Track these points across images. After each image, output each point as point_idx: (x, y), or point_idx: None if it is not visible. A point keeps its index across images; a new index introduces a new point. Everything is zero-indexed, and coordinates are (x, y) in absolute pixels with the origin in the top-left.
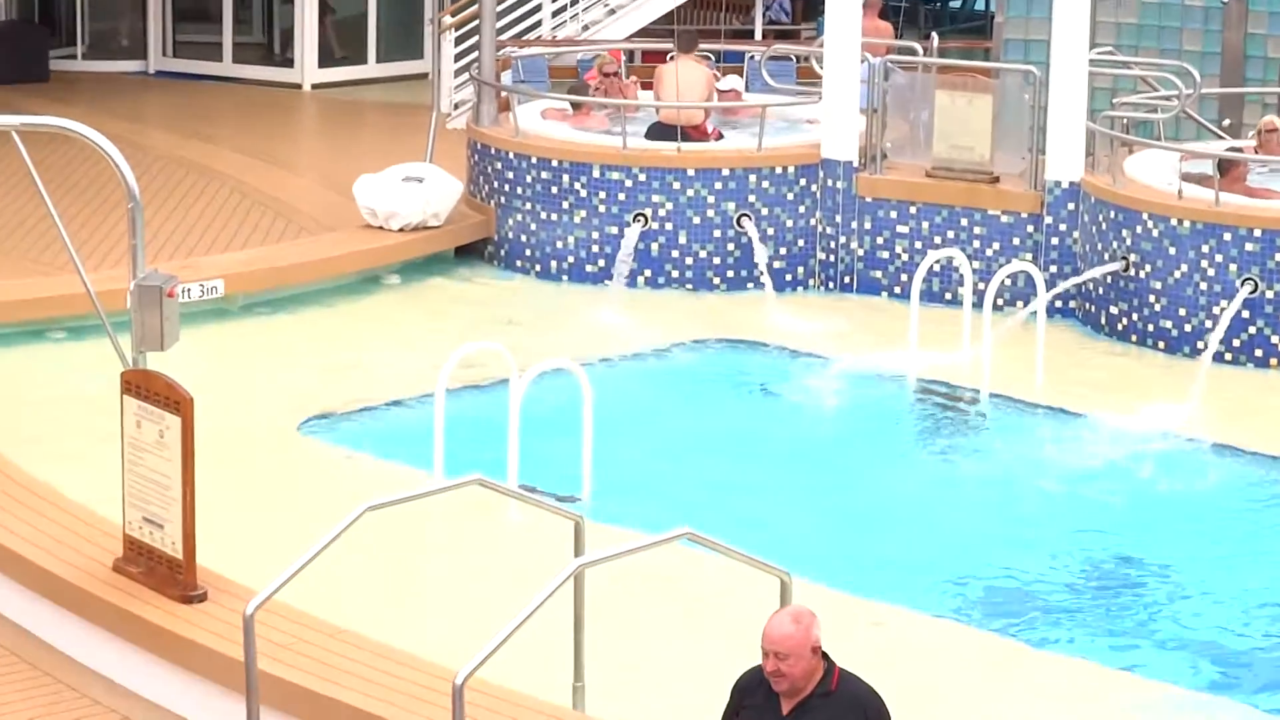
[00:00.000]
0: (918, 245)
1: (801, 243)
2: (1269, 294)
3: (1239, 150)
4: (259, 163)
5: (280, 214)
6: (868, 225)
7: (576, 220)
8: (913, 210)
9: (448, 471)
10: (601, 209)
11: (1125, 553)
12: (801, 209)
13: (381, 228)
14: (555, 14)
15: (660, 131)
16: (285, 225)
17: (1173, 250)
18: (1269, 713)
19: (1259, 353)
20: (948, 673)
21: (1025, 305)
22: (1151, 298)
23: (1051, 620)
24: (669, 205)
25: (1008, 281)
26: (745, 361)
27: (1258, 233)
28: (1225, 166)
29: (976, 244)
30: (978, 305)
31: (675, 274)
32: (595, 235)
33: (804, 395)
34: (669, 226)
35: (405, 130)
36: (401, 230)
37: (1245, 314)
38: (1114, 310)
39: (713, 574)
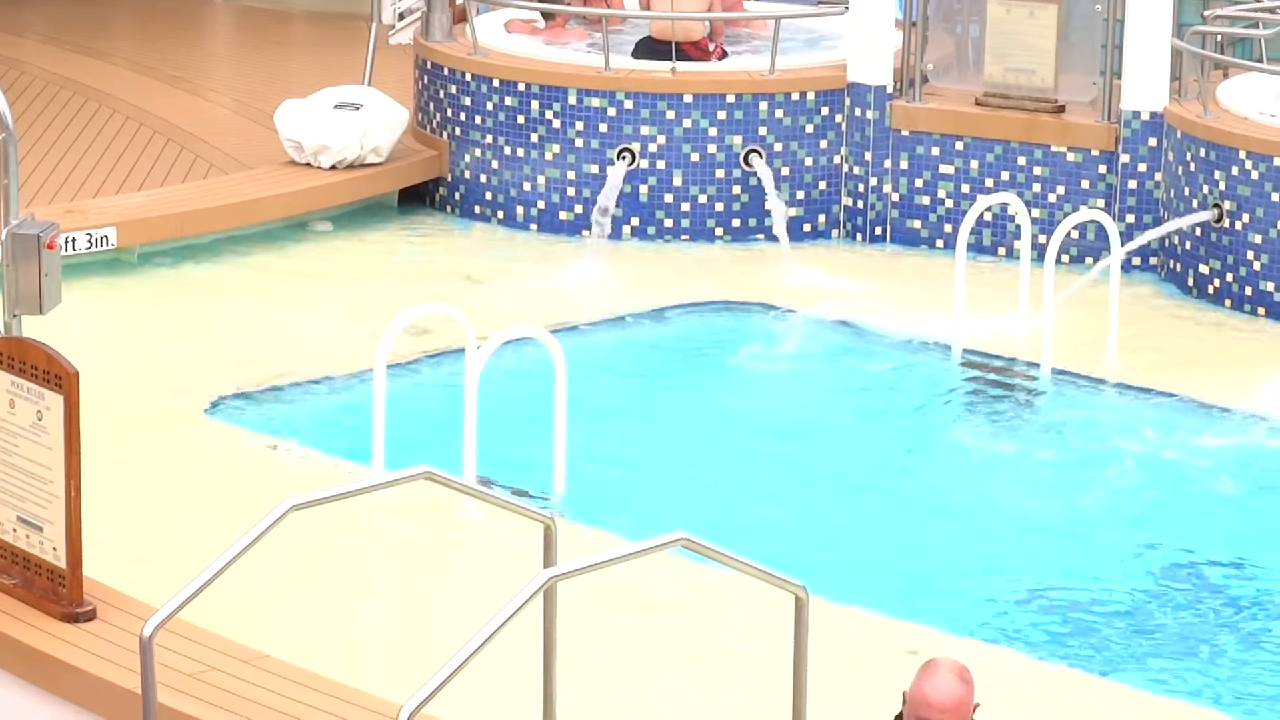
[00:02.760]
0: (965, 189)
1: (823, 185)
2: None
3: None
4: (160, 84)
5: (186, 147)
6: (904, 164)
7: (548, 157)
8: (959, 146)
9: (389, 463)
10: (579, 143)
11: (1215, 567)
12: (823, 144)
13: (309, 164)
14: None
15: (651, 48)
16: (192, 161)
17: (1276, 196)
18: None
19: None
20: (998, 708)
21: (1096, 262)
22: (1250, 254)
23: (1122, 646)
24: (661, 139)
25: (1075, 233)
26: (753, 329)
27: None
28: None
29: (1037, 187)
30: (1038, 261)
31: (669, 223)
32: (571, 175)
33: (824, 370)
34: (661, 165)
35: (338, 46)
36: (334, 168)
37: None
38: (1204, 269)
39: (713, 589)
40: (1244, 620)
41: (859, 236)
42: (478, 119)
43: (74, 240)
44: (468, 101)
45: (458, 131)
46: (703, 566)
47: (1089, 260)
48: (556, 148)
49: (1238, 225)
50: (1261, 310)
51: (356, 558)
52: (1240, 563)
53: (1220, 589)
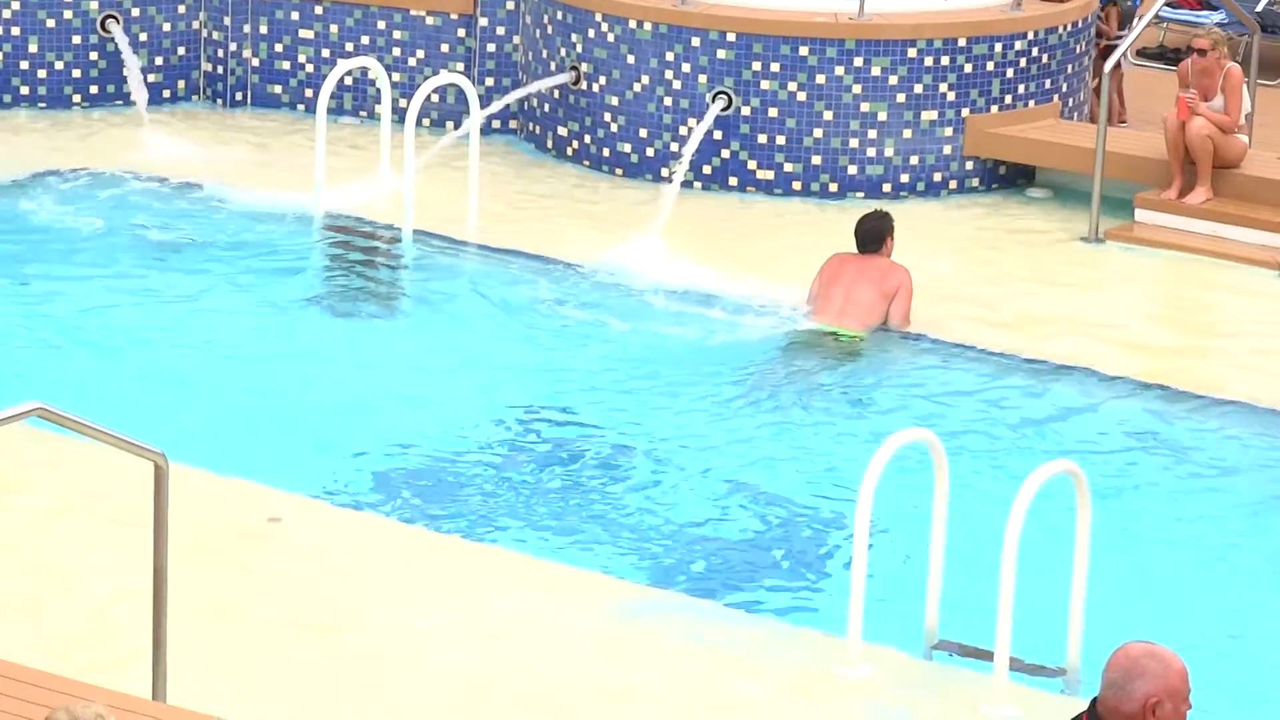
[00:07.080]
0: (325, 53)
1: (183, 50)
2: (745, 110)
3: None
4: None
5: None
6: (264, 29)
7: None
8: (319, 11)
9: None
10: None
11: (577, 420)
12: (182, 9)
13: None
14: None
15: None
16: None
17: (631, 59)
18: (730, 606)
19: (734, 180)
20: (360, 574)
21: (457, 126)
22: (607, 116)
23: (486, 505)
24: (15, 4)
25: (435, 97)
26: (113, 197)
27: (731, 37)
28: None
29: (397, 52)
30: (399, 125)
31: (25, 90)
32: None
33: (185, 236)
34: (16, 31)
35: None
36: None
37: (718, 135)
38: (563, 131)
39: (76, 460)
40: (607, 473)
41: (220, 102)
42: None
43: None
44: None
45: None
46: (63, 437)
47: (450, 124)
48: None
49: (595, 87)
50: (619, 171)
51: None
52: (597, 413)
53: (576, 442)
